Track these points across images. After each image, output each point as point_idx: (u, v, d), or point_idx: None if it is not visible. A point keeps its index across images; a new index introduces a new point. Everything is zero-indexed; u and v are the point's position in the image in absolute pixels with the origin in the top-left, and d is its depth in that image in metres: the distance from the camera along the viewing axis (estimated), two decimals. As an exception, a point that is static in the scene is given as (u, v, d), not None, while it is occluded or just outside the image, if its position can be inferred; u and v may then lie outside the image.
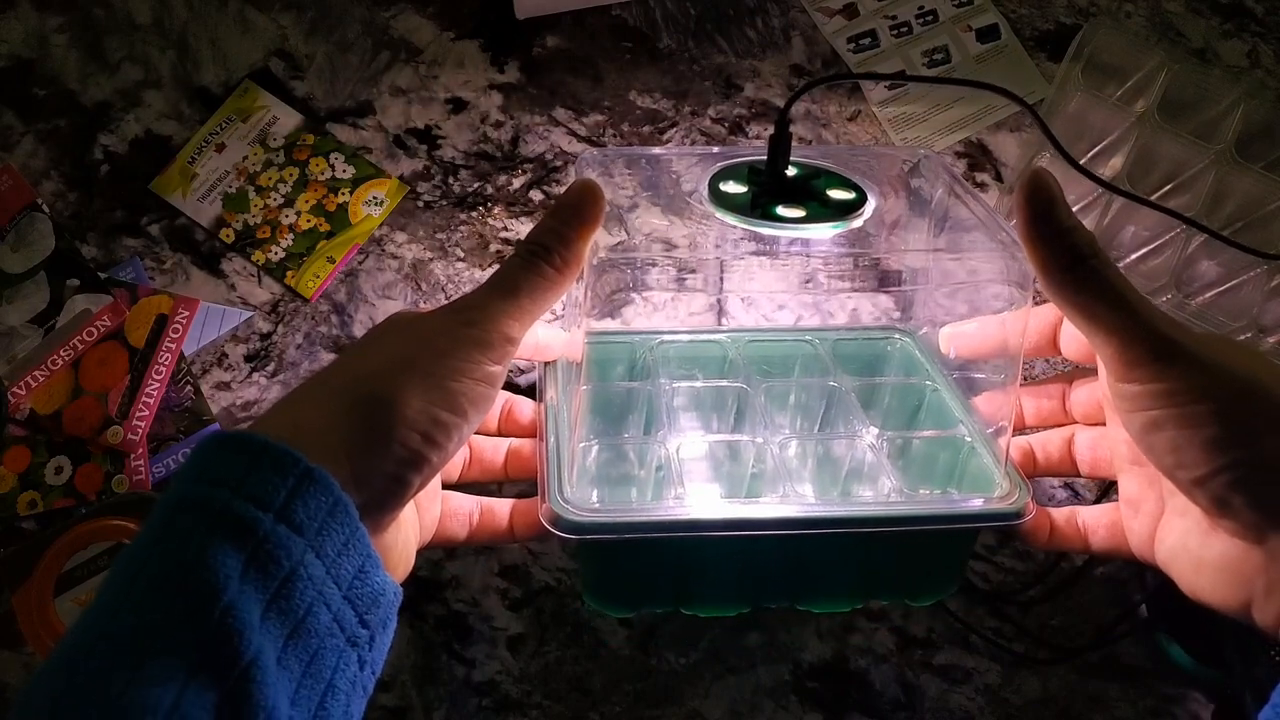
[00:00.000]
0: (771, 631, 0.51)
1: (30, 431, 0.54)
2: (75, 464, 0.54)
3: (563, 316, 0.48)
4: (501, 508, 0.44)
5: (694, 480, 0.45)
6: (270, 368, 0.56)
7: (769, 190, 0.42)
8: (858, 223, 0.41)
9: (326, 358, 0.56)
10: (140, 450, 0.54)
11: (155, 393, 0.55)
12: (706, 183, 0.42)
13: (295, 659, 0.30)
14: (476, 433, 0.41)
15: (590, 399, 0.47)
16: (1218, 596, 0.37)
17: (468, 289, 0.58)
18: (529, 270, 0.37)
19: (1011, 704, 0.50)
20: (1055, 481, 0.54)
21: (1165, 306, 0.52)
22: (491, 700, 0.50)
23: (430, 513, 0.42)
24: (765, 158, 0.42)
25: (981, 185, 0.62)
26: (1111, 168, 0.58)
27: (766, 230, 0.40)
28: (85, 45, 0.63)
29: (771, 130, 0.41)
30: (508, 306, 0.36)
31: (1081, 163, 0.58)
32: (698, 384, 0.49)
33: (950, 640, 0.51)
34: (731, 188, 0.42)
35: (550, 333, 0.45)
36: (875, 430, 0.45)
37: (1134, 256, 0.57)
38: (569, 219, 0.38)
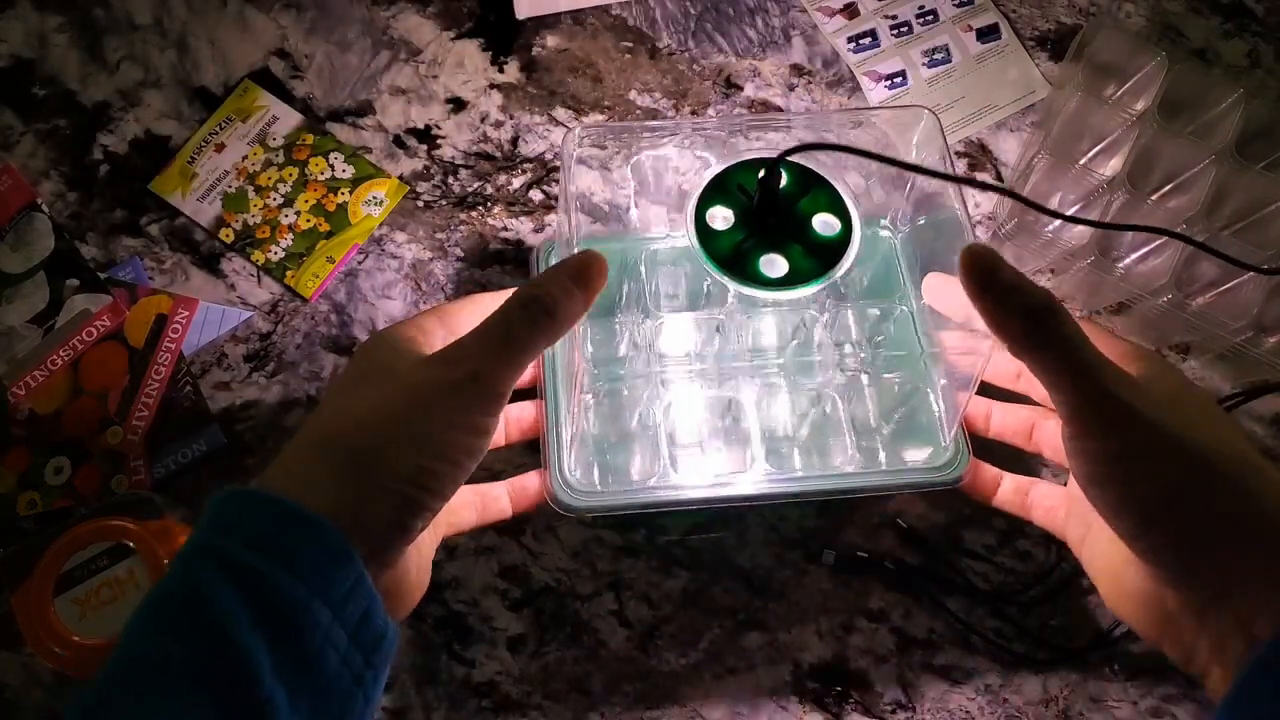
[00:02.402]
0: (771, 631, 0.51)
1: (30, 431, 0.54)
2: (75, 464, 0.54)
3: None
4: (499, 491, 0.47)
5: (680, 403, 0.49)
6: (270, 368, 0.56)
7: (755, 229, 0.42)
8: (840, 272, 0.41)
9: (326, 357, 0.56)
10: (140, 450, 0.54)
11: (155, 393, 0.55)
12: (694, 205, 0.42)
13: (306, 701, 0.31)
14: None
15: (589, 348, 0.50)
16: (1131, 621, 0.39)
17: (467, 289, 0.58)
18: (528, 325, 0.36)
19: (1011, 704, 0.50)
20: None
21: (1165, 306, 0.52)
22: (491, 701, 0.50)
23: (441, 524, 0.44)
24: (760, 157, 0.42)
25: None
26: (1111, 168, 0.58)
27: (748, 291, 0.41)
28: (85, 45, 0.63)
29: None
30: (500, 362, 0.36)
31: (1082, 163, 0.58)
32: (682, 315, 0.50)
33: (950, 640, 0.51)
34: (719, 216, 0.42)
35: None
36: (845, 359, 0.49)
37: (1134, 256, 0.57)
38: (576, 278, 0.37)
